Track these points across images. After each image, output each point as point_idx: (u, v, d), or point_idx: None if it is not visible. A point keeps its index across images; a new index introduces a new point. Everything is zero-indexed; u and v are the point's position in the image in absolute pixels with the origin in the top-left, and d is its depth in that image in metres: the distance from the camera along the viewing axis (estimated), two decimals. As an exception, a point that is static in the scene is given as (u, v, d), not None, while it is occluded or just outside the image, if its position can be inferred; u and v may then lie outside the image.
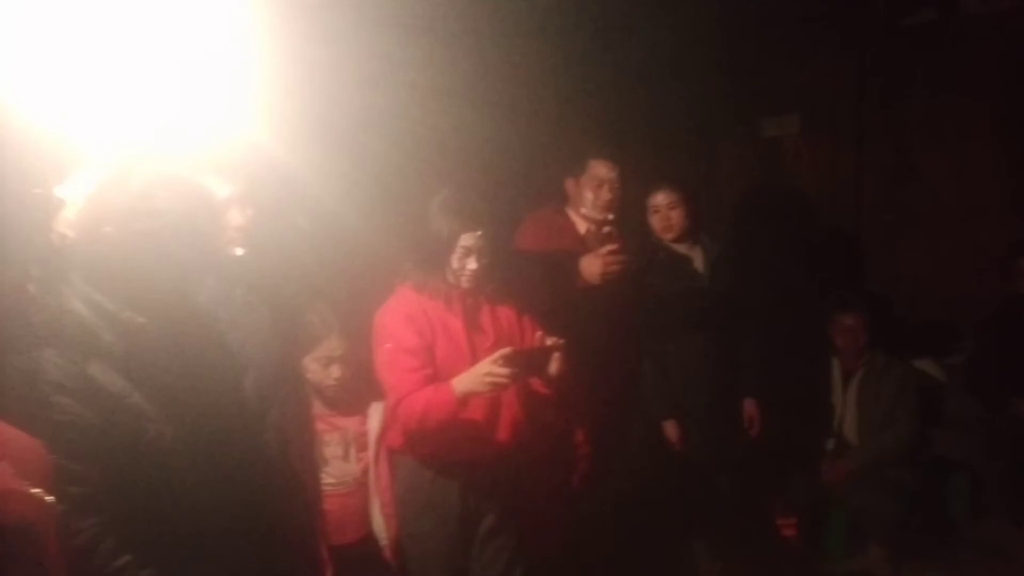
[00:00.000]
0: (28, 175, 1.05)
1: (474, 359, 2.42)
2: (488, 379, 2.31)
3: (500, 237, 2.59)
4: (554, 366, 2.42)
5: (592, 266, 2.95)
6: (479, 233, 2.44)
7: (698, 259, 3.50)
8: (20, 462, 1.00)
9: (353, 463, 2.66)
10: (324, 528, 2.25)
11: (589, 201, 3.12)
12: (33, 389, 1.26)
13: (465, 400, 2.37)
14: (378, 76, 2.65)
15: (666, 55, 4.08)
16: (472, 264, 2.46)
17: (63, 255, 1.38)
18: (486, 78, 3.44)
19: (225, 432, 1.59)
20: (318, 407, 2.61)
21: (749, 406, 3.56)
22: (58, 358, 1.38)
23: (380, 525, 2.62)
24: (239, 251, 1.91)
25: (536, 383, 2.53)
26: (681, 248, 3.48)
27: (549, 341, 2.43)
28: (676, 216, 3.44)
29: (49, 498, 1.00)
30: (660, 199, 3.45)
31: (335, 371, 2.63)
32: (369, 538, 2.64)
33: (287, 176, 1.99)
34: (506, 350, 2.31)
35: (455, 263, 2.46)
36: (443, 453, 2.49)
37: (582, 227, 3.18)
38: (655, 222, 3.47)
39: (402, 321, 2.47)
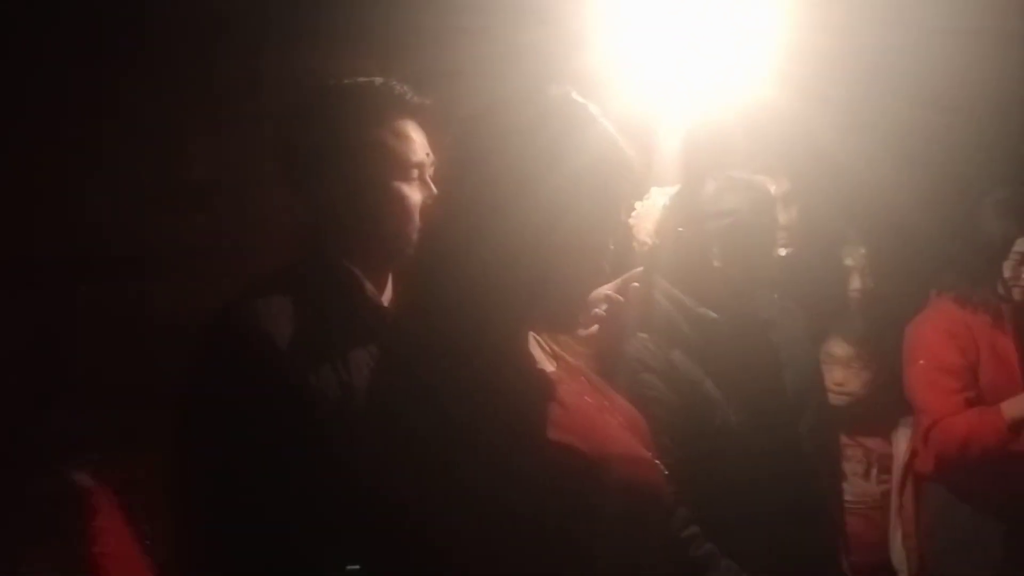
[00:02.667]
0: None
1: (1029, 383, 2.31)
2: None
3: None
4: None
5: None
6: (1041, 239, 2.31)
7: None
8: (639, 433, 1.28)
9: (873, 484, 2.68)
10: (846, 541, 2.34)
11: None
12: (626, 367, 1.62)
13: (1018, 428, 2.31)
14: (933, 57, 2.56)
15: None
16: (1030, 274, 2.33)
17: (644, 259, 1.74)
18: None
19: (772, 425, 1.79)
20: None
21: None
22: (648, 342, 1.73)
23: (900, 557, 2.59)
24: (783, 251, 2.11)
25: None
26: None
27: None
28: None
29: (664, 470, 1.25)
30: None
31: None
32: (880, 567, 2.62)
33: (833, 174, 2.12)
34: None
35: (1008, 272, 2.39)
36: (986, 488, 2.41)
37: None
38: None
39: (941, 336, 2.45)
